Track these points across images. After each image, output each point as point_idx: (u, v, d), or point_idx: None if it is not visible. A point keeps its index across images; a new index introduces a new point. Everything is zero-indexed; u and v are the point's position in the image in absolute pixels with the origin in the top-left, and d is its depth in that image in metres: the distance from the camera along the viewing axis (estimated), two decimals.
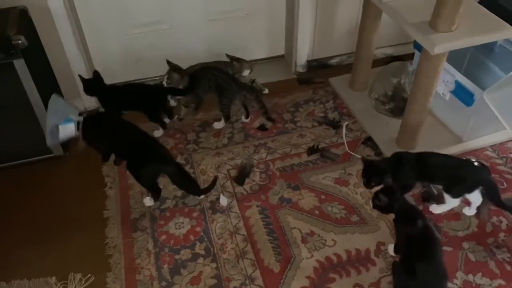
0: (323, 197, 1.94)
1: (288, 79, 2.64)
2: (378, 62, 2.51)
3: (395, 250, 1.68)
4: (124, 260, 1.74)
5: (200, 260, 1.72)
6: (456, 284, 1.61)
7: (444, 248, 1.72)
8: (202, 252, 1.75)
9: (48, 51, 2.13)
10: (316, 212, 1.88)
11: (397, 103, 2.20)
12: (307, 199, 1.93)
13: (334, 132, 2.25)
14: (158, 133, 2.23)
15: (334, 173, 2.04)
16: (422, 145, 2.06)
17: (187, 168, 2.07)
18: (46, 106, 1.92)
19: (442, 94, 2.09)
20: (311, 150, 2.15)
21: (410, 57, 2.47)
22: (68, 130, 1.84)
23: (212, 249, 1.76)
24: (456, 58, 2.06)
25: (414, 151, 1.85)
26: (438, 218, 1.83)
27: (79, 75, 2.11)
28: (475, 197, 1.77)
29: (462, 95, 1.98)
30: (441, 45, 1.65)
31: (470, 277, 1.64)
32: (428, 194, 1.89)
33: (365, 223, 1.83)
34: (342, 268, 1.68)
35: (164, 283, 1.66)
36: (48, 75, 2.17)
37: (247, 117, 2.33)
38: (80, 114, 1.90)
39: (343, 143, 2.18)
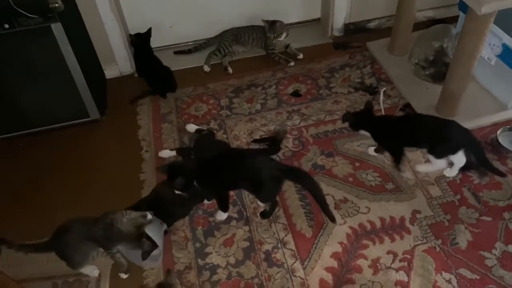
0: (357, 164, 1.91)
1: (324, 44, 2.57)
2: (419, 26, 2.40)
3: None
4: None
5: (233, 223, 1.75)
6: (495, 255, 1.57)
7: (484, 218, 1.67)
8: (235, 215, 1.77)
9: (84, 15, 2.14)
10: (350, 179, 1.85)
11: (438, 68, 2.11)
12: (340, 166, 1.90)
13: (371, 98, 2.19)
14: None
15: (369, 141, 1.98)
16: (463, 113, 1.98)
17: (220, 133, 2.07)
18: (83, 70, 1.94)
19: (487, 58, 1.98)
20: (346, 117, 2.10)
21: (453, 20, 2.34)
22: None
23: (245, 212, 1.77)
24: (503, 19, 1.93)
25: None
26: (479, 188, 1.77)
27: None
28: (459, 158, 1.75)
29: (510, 59, 1.88)
30: (489, 4, 1.55)
31: (510, 247, 1.58)
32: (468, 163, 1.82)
33: (401, 191, 1.79)
34: (375, 235, 1.66)
35: (198, 244, 1.69)
36: (84, 39, 2.19)
37: None
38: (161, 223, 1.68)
39: (380, 110, 2.12)
